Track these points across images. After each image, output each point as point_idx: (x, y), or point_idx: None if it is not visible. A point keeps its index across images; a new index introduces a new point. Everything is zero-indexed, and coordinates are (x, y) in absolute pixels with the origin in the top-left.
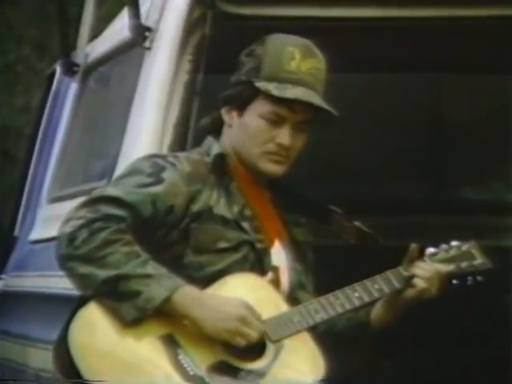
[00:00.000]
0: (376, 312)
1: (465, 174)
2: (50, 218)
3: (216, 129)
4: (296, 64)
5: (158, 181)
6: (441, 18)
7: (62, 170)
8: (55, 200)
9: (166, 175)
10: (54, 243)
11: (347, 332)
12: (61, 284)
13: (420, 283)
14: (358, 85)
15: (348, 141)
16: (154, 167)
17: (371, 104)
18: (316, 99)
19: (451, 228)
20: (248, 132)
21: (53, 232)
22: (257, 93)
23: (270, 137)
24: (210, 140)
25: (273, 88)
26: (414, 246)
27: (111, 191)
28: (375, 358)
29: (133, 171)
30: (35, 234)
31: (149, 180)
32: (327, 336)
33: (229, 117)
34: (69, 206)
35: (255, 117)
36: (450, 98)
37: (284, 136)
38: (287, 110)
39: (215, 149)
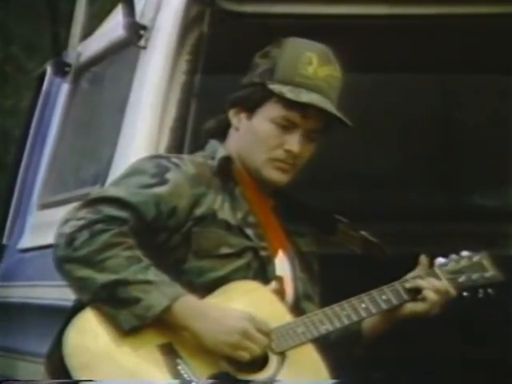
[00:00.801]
0: (369, 322)
1: (476, 179)
2: (40, 225)
3: (221, 132)
4: (313, 69)
5: (162, 181)
6: (452, 16)
7: (53, 175)
8: (46, 206)
9: (170, 176)
10: (44, 252)
11: (339, 343)
12: (52, 294)
13: (431, 296)
14: (364, 86)
15: (354, 146)
16: (158, 168)
17: (378, 107)
18: (331, 107)
19: (462, 236)
20: (256, 136)
21: (43, 240)
22: (269, 95)
23: (278, 142)
24: (214, 143)
25: (287, 91)
26: (423, 258)
27: (113, 191)
28: (368, 369)
29: (135, 171)
30: (25, 242)
31: (152, 181)
32: (322, 348)
33: (237, 119)
34: (60, 212)
35: (265, 120)
36: (462, 101)
37: (293, 143)
38: (299, 115)
39: (220, 152)
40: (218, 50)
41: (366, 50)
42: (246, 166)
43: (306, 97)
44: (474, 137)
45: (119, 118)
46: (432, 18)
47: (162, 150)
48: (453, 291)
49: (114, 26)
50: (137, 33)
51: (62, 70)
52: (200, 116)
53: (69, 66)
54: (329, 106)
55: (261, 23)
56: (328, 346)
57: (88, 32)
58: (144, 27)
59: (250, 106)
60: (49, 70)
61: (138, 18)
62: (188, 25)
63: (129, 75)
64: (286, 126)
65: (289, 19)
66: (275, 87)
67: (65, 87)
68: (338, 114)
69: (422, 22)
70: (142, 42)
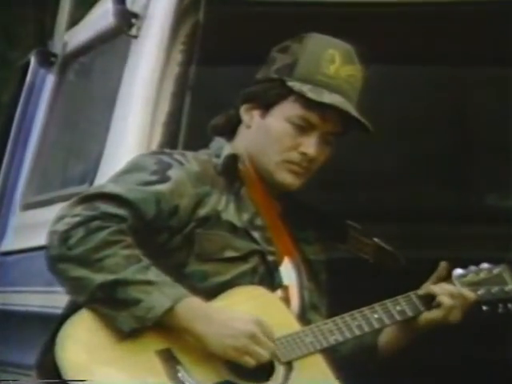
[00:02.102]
0: (386, 335)
1: (491, 180)
2: (23, 227)
3: (229, 130)
4: (335, 68)
5: (164, 179)
6: (465, 3)
7: (37, 173)
8: (29, 206)
9: (172, 173)
10: (27, 255)
11: (351, 358)
12: (36, 301)
13: (445, 300)
14: (371, 80)
15: (362, 143)
16: (159, 164)
17: (387, 102)
18: (353, 111)
19: (475, 238)
20: (270, 135)
21: (27, 242)
22: (287, 93)
23: (294, 144)
24: (219, 141)
25: (308, 90)
26: (443, 265)
27: (111, 188)
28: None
29: (135, 168)
30: (7, 245)
31: (153, 178)
32: (334, 361)
33: (248, 116)
34: (45, 213)
35: (281, 120)
36: (478, 96)
37: (310, 145)
38: (318, 117)
39: (226, 150)
40: (215, 40)
41: (375, 40)
42: (256, 166)
43: (327, 97)
44: (489, 135)
45: (109, 112)
46: (444, 5)
47: (154, 147)
48: (471, 295)
49: (103, 14)
50: (128, 21)
51: (47, 60)
52: (195, 110)
53: (54, 56)
54: (351, 108)
55: (259, 11)
56: (340, 359)
57: (75, 20)
58: (135, 15)
59: (265, 103)
60: (33, 60)
61: (128, 5)
62: (182, 13)
63: (119, 66)
64: (303, 127)
65: (289, 7)
66: (295, 85)
67: (50, 79)
68: (362, 119)
69: (432, 9)
70: (133, 31)
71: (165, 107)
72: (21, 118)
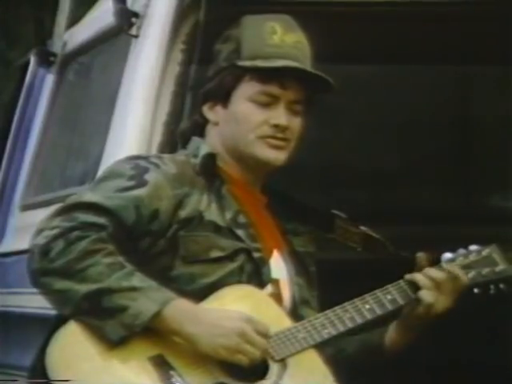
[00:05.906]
0: (390, 333)
1: (491, 179)
2: (22, 228)
3: (198, 133)
4: (279, 38)
5: (141, 183)
6: (466, 3)
7: (37, 174)
8: (29, 207)
9: (149, 177)
10: (26, 256)
11: (358, 357)
12: (35, 303)
13: (426, 283)
14: (375, 79)
15: (364, 143)
16: (136, 169)
17: (388, 102)
18: (308, 67)
19: (477, 238)
20: (238, 120)
21: (26, 243)
22: (241, 75)
23: (263, 119)
24: (196, 141)
25: (259, 63)
26: (420, 255)
27: (89, 197)
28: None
29: (112, 174)
30: (5, 246)
31: (130, 183)
32: (335, 362)
33: (213, 113)
34: (44, 214)
35: (243, 101)
36: (482, 96)
37: (279, 116)
38: (278, 87)
39: (203, 149)
40: (215, 40)
41: (373, 40)
42: (236, 156)
43: (280, 62)
44: (494, 134)
45: (108, 112)
46: (445, 5)
47: (154, 147)
48: (463, 276)
49: (103, 13)
50: (128, 20)
51: (46, 60)
52: (195, 110)
53: (54, 55)
54: (306, 66)
55: (260, 10)
56: (346, 359)
57: (75, 19)
58: (136, 14)
59: (224, 94)
60: (32, 59)
61: (129, 4)
62: (183, 12)
63: (119, 66)
64: (267, 102)
65: (289, 7)
66: (246, 62)
67: (49, 79)
68: (320, 73)
69: (432, 9)
70: (133, 31)
71: (165, 107)
72: (20, 118)
